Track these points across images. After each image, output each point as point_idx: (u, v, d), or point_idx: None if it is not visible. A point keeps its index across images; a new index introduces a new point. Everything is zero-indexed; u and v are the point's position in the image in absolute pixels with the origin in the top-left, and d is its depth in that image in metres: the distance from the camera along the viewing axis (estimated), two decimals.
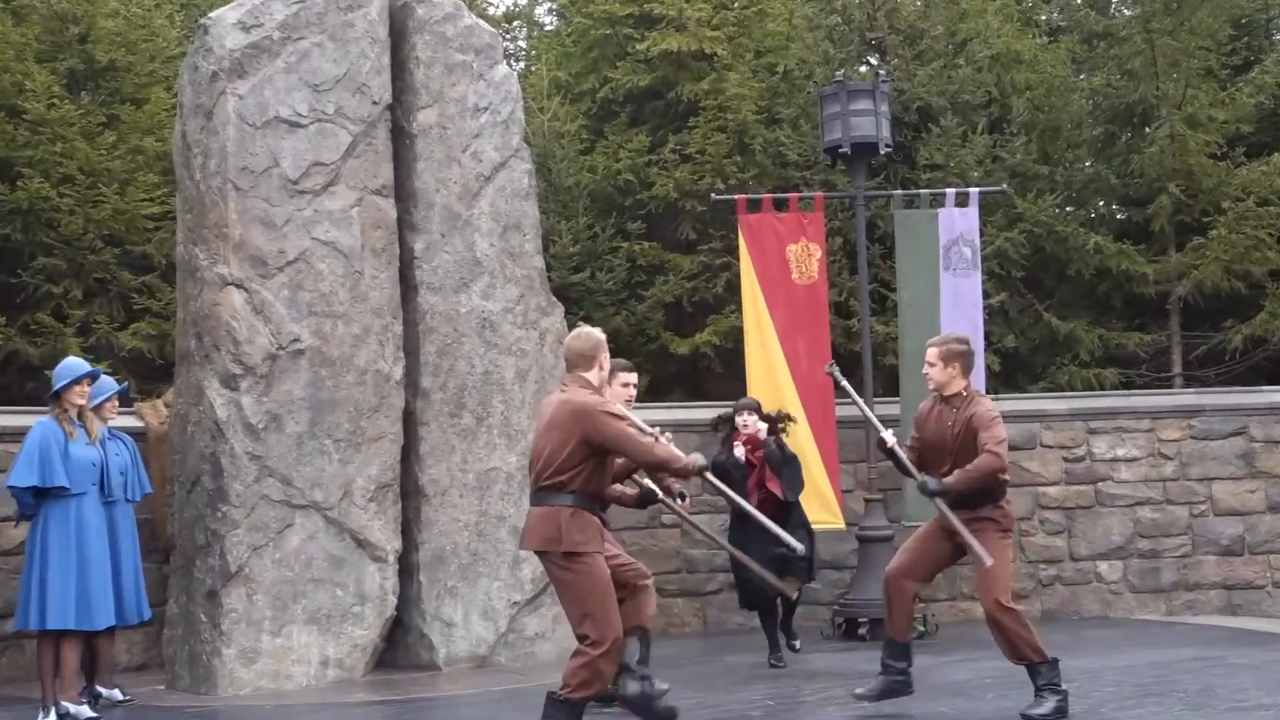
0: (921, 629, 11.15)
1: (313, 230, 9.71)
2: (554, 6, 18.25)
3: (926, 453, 7.65)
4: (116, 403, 9.33)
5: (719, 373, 13.72)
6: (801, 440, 11.38)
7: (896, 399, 11.83)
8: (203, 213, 9.58)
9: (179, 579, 9.67)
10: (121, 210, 12.07)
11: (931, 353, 7.66)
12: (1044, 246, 14.03)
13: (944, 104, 13.92)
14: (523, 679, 9.34)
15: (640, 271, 14.01)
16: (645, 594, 7.50)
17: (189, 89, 9.84)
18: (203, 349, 9.48)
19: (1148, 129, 14.45)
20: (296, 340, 9.56)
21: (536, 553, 6.77)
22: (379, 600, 9.75)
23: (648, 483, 7.56)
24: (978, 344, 11.82)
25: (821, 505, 11.44)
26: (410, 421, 10.02)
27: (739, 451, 9.74)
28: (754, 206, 12.02)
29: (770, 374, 11.68)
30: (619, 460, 6.89)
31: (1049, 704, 7.27)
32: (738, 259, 12.26)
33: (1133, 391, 13.55)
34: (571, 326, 10.32)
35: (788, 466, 9.83)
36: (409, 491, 10.01)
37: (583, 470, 6.56)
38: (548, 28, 18.32)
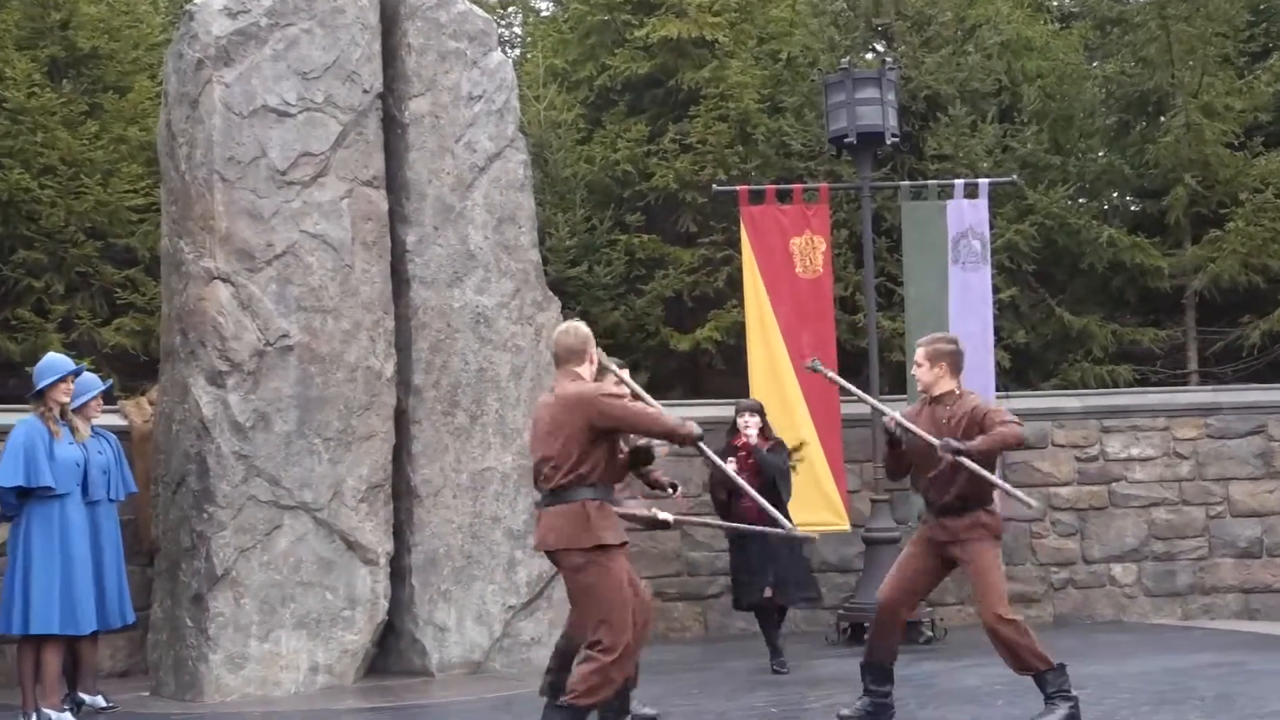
0: (930, 634, 11.17)
1: (301, 223, 9.71)
2: None
3: (915, 456, 7.67)
4: (101, 402, 9.33)
5: (720, 370, 13.72)
6: (805, 439, 11.40)
7: (904, 396, 11.83)
8: (188, 205, 9.58)
9: (164, 582, 9.68)
10: (104, 202, 12.08)
11: (919, 353, 7.73)
12: (1056, 239, 14.03)
13: (952, 92, 13.91)
14: (518, 685, 9.33)
15: (639, 265, 14.02)
16: (643, 610, 7.49)
17: (174, 77, 9.84)
18: (188, 345, 9.48)
19: (1163, 118, 14.45)
20: (285, 336, 9.56)
21: (553, 554, 6.80)
22: (370, 604, 9.75)
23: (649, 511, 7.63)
24: (987, 340, 11.86)
25: (826, 506, 11.46)
26: (402, 420, 10.03)
27: (730, 467, 9.80)
28: (756, 198, 12.02)
29: (773, 371, 11.69)
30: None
31: (1060, 711, 7.27)
32: (739, 252, 12.26)
33: (1147, 389, 13.55)
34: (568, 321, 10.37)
35: (783, 480, 9.98)
36: (401, 492, 10.01)
37: (598, 460, 6.69)
38: (543, 13, 18.31)
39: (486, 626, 10.07)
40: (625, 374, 8.01)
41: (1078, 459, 12.73)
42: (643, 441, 7.02)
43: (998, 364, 12.42)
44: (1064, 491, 12.67)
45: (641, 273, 14.00)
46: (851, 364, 12.90)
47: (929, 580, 7.67)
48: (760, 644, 10.23)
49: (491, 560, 10.12)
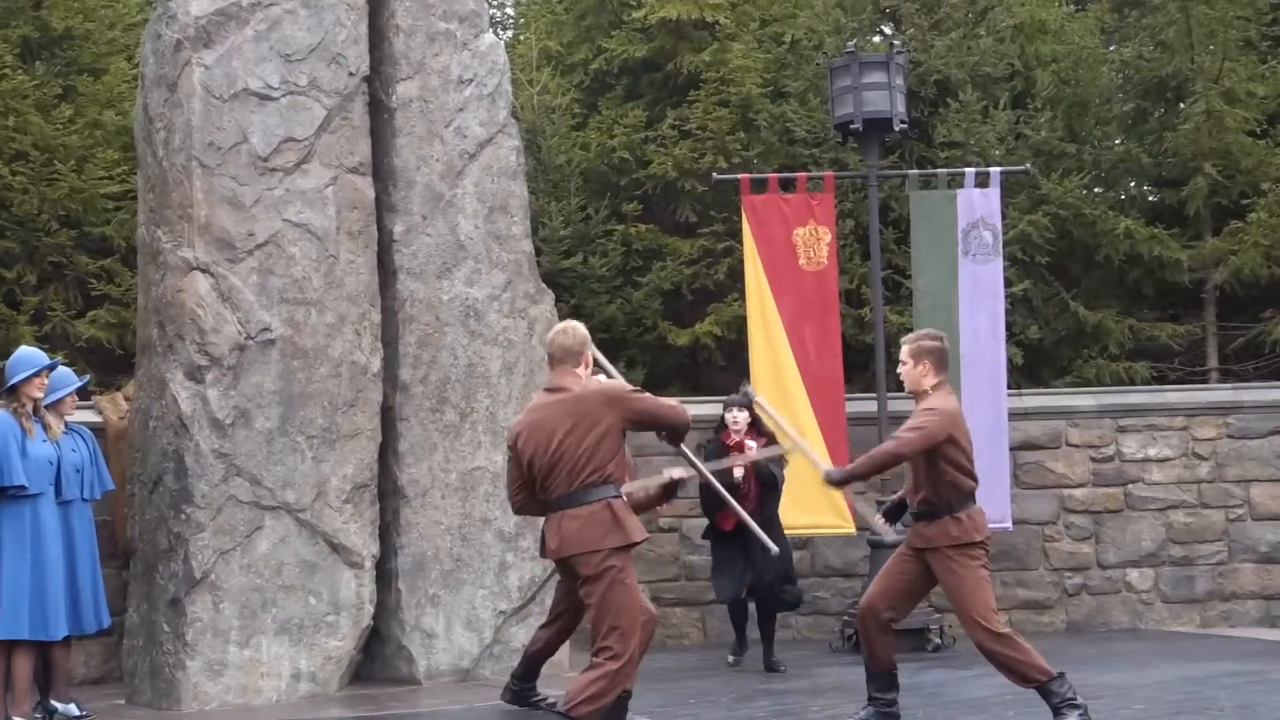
0: (938, 641, 11.19)
1: (284, 211, 9.70)
2: None
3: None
4: (75, 398, 9.32)
5: (721, 365, 13.74)
6: (809, 438, 11.40)
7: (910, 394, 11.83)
8: (166, 192, 9.58)
9: (140, 586, 9.68)
10: (79, 189, 12.08)
11: (904, 351, 7.80)
12: (1070, 230, 14.04)
13: (963, 77, 13.92)
14: None
15: (636, 256, 14.02)
16: (648, 620, 7.57)
17: (151, 59, 9.84)
18: (165, 339, 9.48)
19: (1182, 104, 14.47)
20: (266, 329, 9.56)
21: (569, 558, 6.82)
22: (355, 609, 9.76)
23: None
24: (998, 335, 11.87)
25: (830, 508, 11.47)
26: (389, 417, 10.03)
27: (738, 474, 9.99)
28: (759, 187, 12.02)
29: (775, 367, 11.69)
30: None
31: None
32: (740, 243, 12.27)
33: (1165, 387, 13.56)
34: (562, 315, 10.39)
35: (774, 492, 10.17)
36: (387, 492, 10.02)
37: (619, 458, 6.87)
38: None
39: (476, 633, 10.08)
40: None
41: (1092, 459, 12.74)
42: (679, 473, 7.32)
43: (1009, 360, 12.42)
44: (1078, 493, 12.68)
45: (638, 264, 14.01)
46: (857, 360, 12.93)
47: (911, 584, 7.71)
48: (760, 648, 10.42)
49: (482, 563, 10.12)
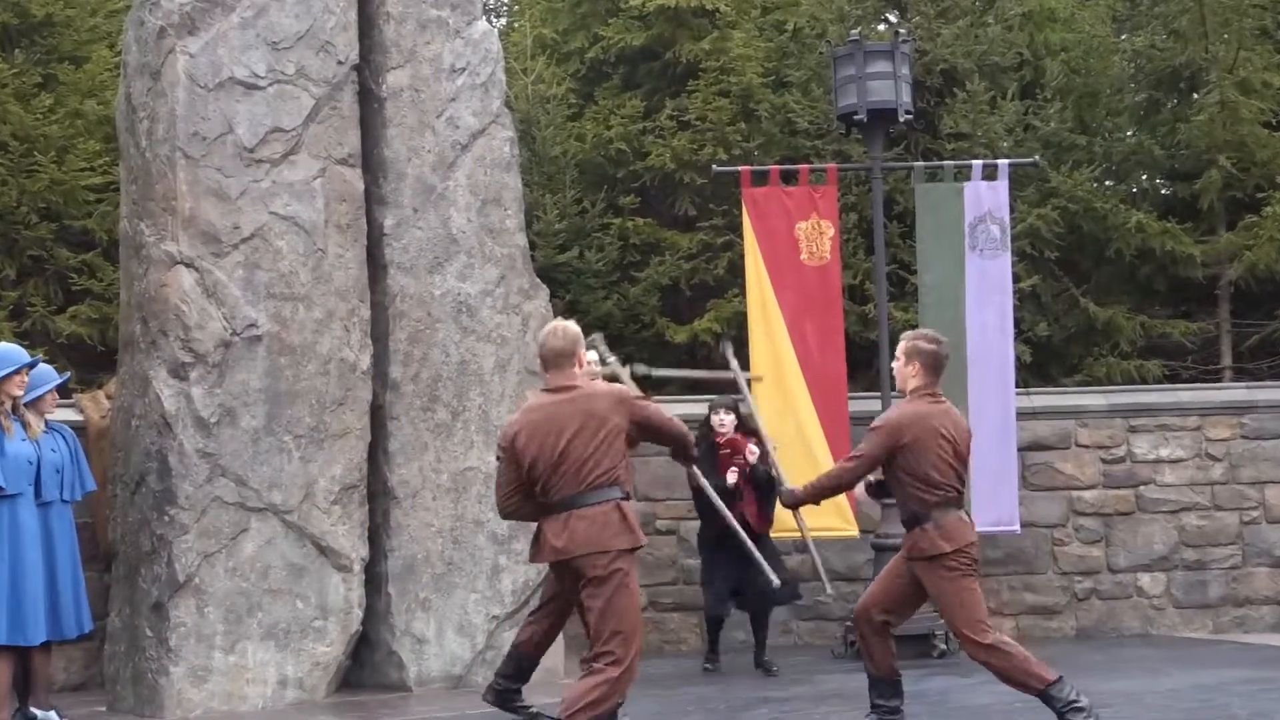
0: (943, 647, 11.19)
1: (271, 203, 9.70)
2: None
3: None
4: (56, 396, 9.33)
5: (720, 363, 13.71)
6: (811, 437, 11.43)
7: None
8: (149, 184, 9.58)
9: (122, 589, 9.68)
10: (59, 181, 12.07)
11: (899, 347, 7.87)
12: (1080, 225, 14.05)
13: (971, 66, 13.92)
14: None
15: (634, 251, 14.03)
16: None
17: (134, 46, 9.83)
18: (149, 335, 9.48)
19: (1196, 95, 14.46)
20: (253, 325, 9.56)
21: (572, 561, 6.83)
22: (343, 613, 9.76)
23: None
24: (1006, 332, 11.87)
25: (833, 511, 11.44)
26: (378, 416, 10.03)
27: (731, 478, 10.16)
28: (760, 179, 12.02)
29: (777, 365, 11.70)
30: None
31: None
32: (741, 237, 12.27)
33: (1178, 385, 13.57)
34: (557, 311, 10.41)
35: (771, 494, 10.20)
36: (377, 493, 10.01)
37: (626, 460, 6.94)
38: None
39: (468, 638, 10.08)
40: (625, 373, 8.29)
41: (1103, 460, 12.74)
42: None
43: (1017, 358, 12.42)
44: (1088, 495, 12.68)
45: (636, 259, 14.01)
46: (861, 358, 12.93)
47: (905, 589, 7.74)
48: (753, 652, 10.64)
49: (474, 567, 10.12)
